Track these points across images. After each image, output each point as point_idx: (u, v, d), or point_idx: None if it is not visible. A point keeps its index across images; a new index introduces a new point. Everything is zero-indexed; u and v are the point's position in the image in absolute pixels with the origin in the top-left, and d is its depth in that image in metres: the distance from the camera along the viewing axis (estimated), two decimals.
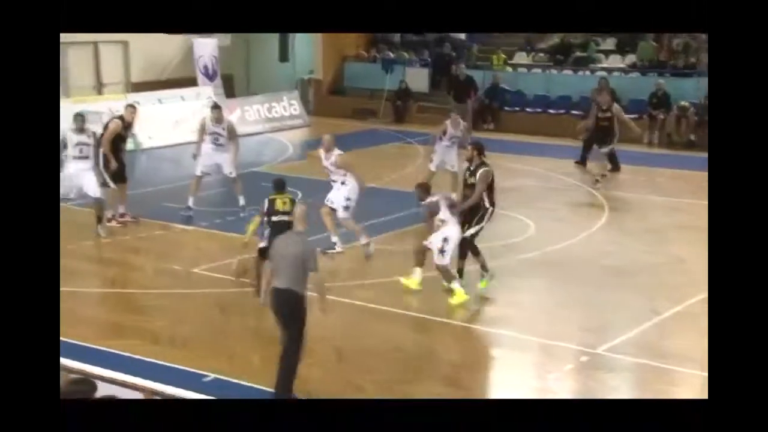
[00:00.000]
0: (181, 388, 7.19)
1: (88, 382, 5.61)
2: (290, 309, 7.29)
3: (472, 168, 10.24)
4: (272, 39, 24.50)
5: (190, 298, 10.19)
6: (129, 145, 13.33)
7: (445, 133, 13.78)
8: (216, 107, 13.88)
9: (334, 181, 11.45)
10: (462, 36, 24.12)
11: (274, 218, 10.10)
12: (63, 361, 6.35)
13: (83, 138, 12.13)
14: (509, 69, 22.85)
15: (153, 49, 22.31)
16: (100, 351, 8.40)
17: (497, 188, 10.50)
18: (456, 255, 10.17)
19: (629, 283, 10.62)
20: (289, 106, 22.55)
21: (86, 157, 12.15)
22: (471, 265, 10.33)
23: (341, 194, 11.32)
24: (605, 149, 15.74)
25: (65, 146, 12.09)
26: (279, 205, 10.17)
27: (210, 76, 22.61)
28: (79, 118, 12.31)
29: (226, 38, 23.39)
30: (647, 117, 19.74)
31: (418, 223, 11.36)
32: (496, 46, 23.43)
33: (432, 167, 13.82)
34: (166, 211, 13.47)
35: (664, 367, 8.39)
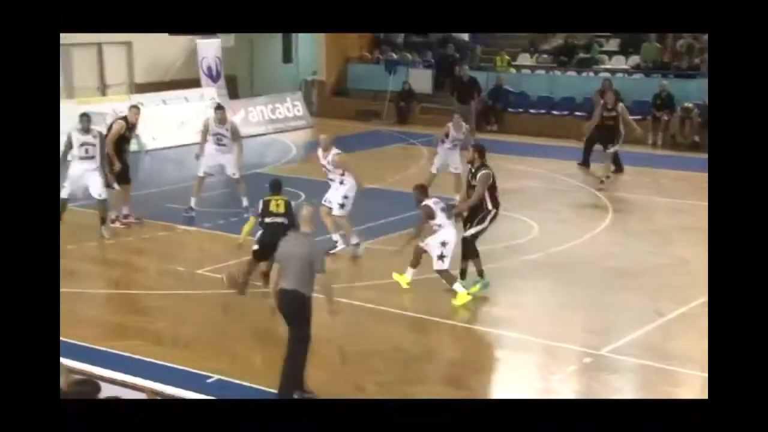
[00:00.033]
0: (185, 389, 7.20)
1: (91, 383, 5.62)
2: (296, 310, 7.29)
3: (473, 170, 10.25)
4: (276, 40, 24.52)
5: (193, 299, 10.20)
6: (133, 146, 13.34)
7: (447, 135, 13.78)
8: (219, 108, 13.88)
9: (332, 180, 11.48)
10: (465, 37, 24.11)
11: (267, 220, 10.12)
12: (67, 362, 6.37)
13: (88, 138, 12.13)
14: (513, 70, 22.85)
15: (157, 50, 22.34)
16: (104, 352, 8.40)
17: (501, 190, 10.49)
18: (459, 256, 10.18)
19: (633, 285, 10.60)
20: (292, 107, 22.56)
21: (92, 158, 12.15)
22: (470, 267, 10.31)
23: (339, 193, 11.35)
24: (611, 149, 15.73)
25: (70, 147, 12.12)
26: (273, 206, 10.18)
27: (214, 77, 22.64)
28: (85, 118, 12.31)
29: (230, 39, 23.42)
30: (651, 118, 19.73)
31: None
32: (499, 47, 23.42)
33: (433, 169, 13.81)
34: (169, 212, 13.48)
35: (667, 369, 8.38)
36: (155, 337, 8.97)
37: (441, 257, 9.88)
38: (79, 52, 21.28)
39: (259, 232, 10.15)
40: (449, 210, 10.16)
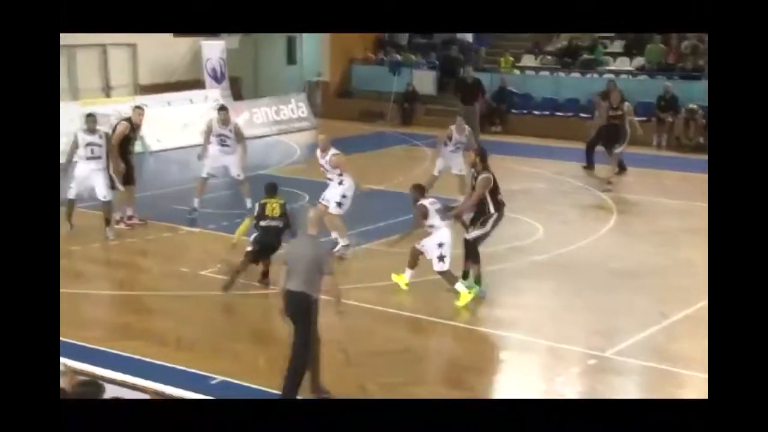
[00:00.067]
0: (189, 390, 7.21)
1: (95, 384, 5.63)
2: (302, 311, 7.29)
3: (476, 174, 10.25)
4: (280, 41, 24.56)
5: (197, 301, 10.20)
6: (137, 147, 13.35)
7: (450, 138, 13.76)
8: (222, 109, 13.87)
9: (330, 180, 11.51)
10: (469, 39, 24.12)
11: (263, 223, 10.15)
12: (71, 362, 6.38)
13: (94, 138, 12.14)
14: (517, 72, 22.84)
15: (161, 51, 22.38)
16: (108, 353, 8.40)
17: (505, 191, 10.48)
18: (460, 257, 10.16)
19: (637, 286, 10.58)
20: (296, 108, 22.57)
21: (97, 158, 12.15)
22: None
23: (337, 192, 11.37)
24: (617, 150, 15.74)
25: (76, 147, 12.13)
26: (268, 210, 10.20)
27: (218, 79, 22.66)
28: (90, 118, 12.32)
29: (234, 41, 23.45)
30: (655, 120, 19.71)
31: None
32: (503, 48, 23.42)
33: (435, 172, 13.79)
34: (173, 213, 13.48)
35: (672, 371, 8.36)
36: (159, 338, 8.97)
37: (441, 258, 9.89)
38: (84, 54, 21.33)
39: (255, 235, 10.17)
40: (445, 212, 10.17)
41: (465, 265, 10.21)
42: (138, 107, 13.49)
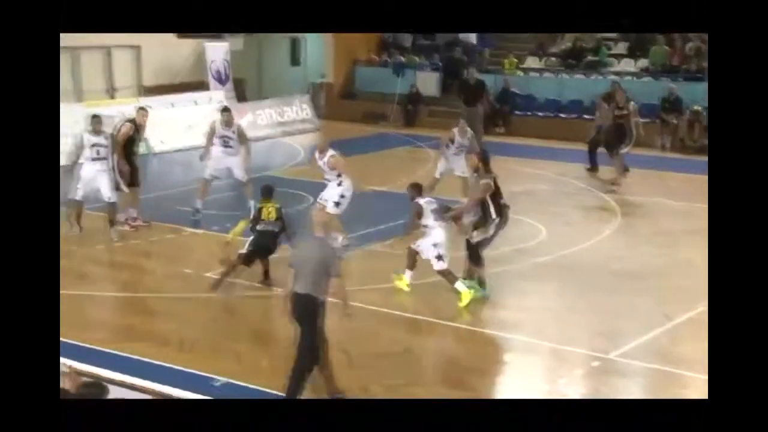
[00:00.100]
0: (192, 392, 7.21)
1: (98, 385, 5.64)
2: (309, 314, 7.29)
3: (477, 177, 10.26)
4: (284, 43, 24.57)
5: (200, 302, 10.21)
6: (141, 149, 13.36)
7: (452, 140, 13.74)
8: (225, 110, 13.88)
9: (328, 180, 11.52)
10: (473, 40, 24.13)
11: (259, 227, 10.19)
12: (75, 364, 6.39)
13: (99, 139, 12.15)
14: (520, 73, 22.84)
15: (165, 53, 22.42)
16: (111, 354, 8.41)
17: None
18: (466, 259, 10.17)
19: (641, 288, 10.57)
20: (300, 110, 22.59)
21: (103, 159, 12.16)
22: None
23: (335, 192, 11.40)
24: (623, 149, 15.74)
25: (82, 148, 12.14)
26: (264, 214, 10.23)
27: (222, 80, 22.69)
28: (95, 119, 12.32)
29: (238, 42, 23.47)
30: (659, 121, 19.69)
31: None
32: (507, 50, 23.42)
33: (437, 174, 13.76)
34: (177, 214, 13.50)
35: (676, 373, 8.34)
36: (162, 339, 8.98)
37: (439, 257, 9.94)
38: (88, 56, 21.38)
39: (251, 238, 10.20)
40: (441, 212, 10.20)
41: (467, 268, 10.19)
42: (141, 108, 13.51)
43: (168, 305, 10.15)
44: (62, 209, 12.08)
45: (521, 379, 8.43)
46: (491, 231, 10.05)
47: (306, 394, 7.34)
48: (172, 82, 22.44)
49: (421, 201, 10.14)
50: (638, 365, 8.56)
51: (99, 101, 20.04)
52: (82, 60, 21.30)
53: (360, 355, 8.59)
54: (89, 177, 12.15)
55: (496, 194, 10.04)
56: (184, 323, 9.54)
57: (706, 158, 5.36)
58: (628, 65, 22.04)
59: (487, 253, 10.28)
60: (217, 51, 22.71)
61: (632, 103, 15.96)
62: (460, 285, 9.89)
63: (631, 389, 8.22)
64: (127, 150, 12.64)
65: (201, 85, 22.17)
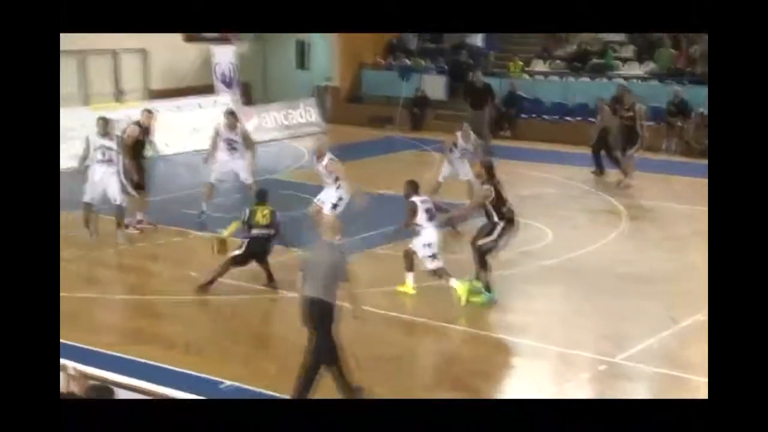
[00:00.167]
0: (197, 395, 7.21)
1: (105, 388, 5.65)
2: (320, 318, 7.29)
3: (481, 184, 10.30)
4: (290, 46, 24.60)
5: (206, 305, 10.23)
6: (148, 152, 13.37)
7: (455, 144, 13.69)
8: (229, 113, 13.88)
9: (327, 184, 11.55)
10: (479, 43, 24.12)
11: (254, 231, 10.20)
12: (82, 367, 6.40)
13: (106, 141, 12.15)
14: (526, 76, 22.82)
15: (172, 57, 22.48)
16: (118, 357, 8.42)
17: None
18: (475, 264, 10.16)
19: (647, 292, 10.55)
20: (306, 113, 22.61)
21: (110, 161, 12.18)
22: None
23: (334, 194, 11.42)
24: (630, 151, 15.73)
25: (89, 150, 12.16)
26: (259, 218, 10.25)
27: (228, 84, 22.72)
28: (102, 121, 12.32)
29: (245, 46, 23.51)
30: (665, 124, 19.66)
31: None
32: (513, 53, 23.40)
33: (440, 178, 13.69)
34: (183, 217, 13.52)
35: (682, 377, 8.33)
36: (169, 342, 9.00)
37: (433, 257, 10.00)
38: (95, 59, 21.45)
39: (245, 241, 10.22)
40: (434, 212, 10.26)
41: (477, 273, 10.18)
42: (147, 110, 13.53)
43: (174, 308, 10.17)
44: (79, 213, 12.21)
45: (528, 382, 8.42)
46: (495, 235, 10.05)
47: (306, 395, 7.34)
48: (179, 85, 22.47)
49: (417, 199, 10.18)
50: (645, 369, 8.55)
51: (106, 105, 20.08)
52: (89, 63, 21.36)
53: (365, 358, 8.57)
54: (97, 179, 12.18)
55: (498, 202, 10.01)
56: (190, 326, 9.56)
57: None
58: (634, 68, 22.01)
59: (493, 256, 10.28)
60: (224, 54, 22.75)
61: (638, 105, 15.95)
62: (453, 281, 9.96)
63: (638, 393, 8.20)
64: (134, 152, 12.66)
65: (207, 89, 22.19)
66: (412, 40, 24.81)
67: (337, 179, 11.46)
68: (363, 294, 10.00)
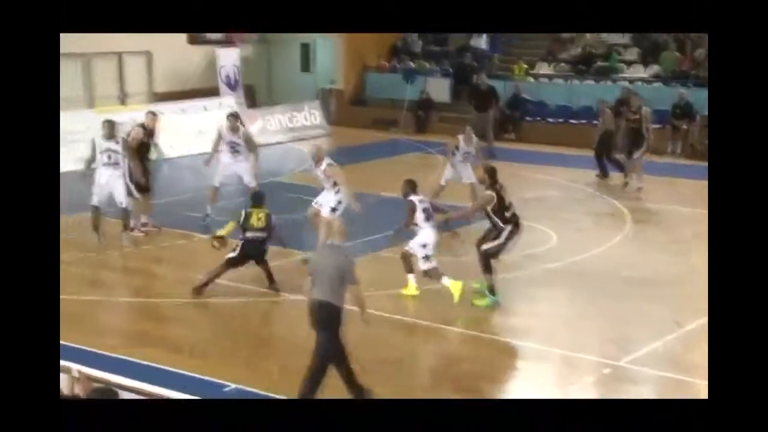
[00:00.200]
0: (201, 398, 7.21)
1: (109, 391, 5.66)
2: (326, 321, 7.30)
3: (484, 189, 10.30)
4: (294, 49, 24.64)
5: (211, 308, 10.23)
6: (152, 154, 13.39)
7: (457, 148, 13.66)
8: (231, 116, 13.89)
9: (326, 187, 11.56)
10: (483, 46, 24.11)
11: (249, 234, 10.21)
12: (86, 369, 6.41)
13: (111, 144, 12.16)
14: (531, 79, 22.81)
15: (176, 59, 22.51)
16: (123, 360, 8.43)
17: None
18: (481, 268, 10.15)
19: (652, 295, 10.53)
20: (310, 116, 22.62)
21: (116, 164, 12.19)
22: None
23: (333, 198, 11.41)
24: (636, 154, 15.72)
25: (95, 153, 12.17)
26: (254, 220, 10.25)
27: (232, 86, 22.75)
28: (108, 124, 12.33)
29: (249, 48, 23.53)
30: (670, 127, 19.64)
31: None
32: (517, 56, 23.41)
33: (442, 181, 13.68)
34: (188, 220, 13.54)
35: (687, 381, 8.30)
36: (173, 345, 9.00)
37: (426, 258, 10.05)
38: (100, 62, 21.49)
39: (240, 244, 10.23)
40: (431, 212, 10.28)
41: (485, 277, 10.17)
42: (151, 112, 13.54)
43: (179, 311, 10.17)
44: (85, 215, 12.23)
45: (532, 385, 8.41)
46: (503, 239, 10.03)
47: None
48: (183, 88, 22.51)
49: (415, 198, 10.20)
50: (649, 372, 8.53)
51: (111, 107, 20.13)
52: (93, 66, 21.41)
53: (369, 361, 8.57)
54: (103, 182, 12.19)
55: (501, 207, 9.99)
56: (194, 329, 9.57)
57: None
58: (638, 71, 21.98)
59: (498, 259, 10.26)
60: (228, 57, 22.78)
61: (645, 108, 15.94)
62: (446, 280, 10.01)
63: (643, 397, 8.17)
64: (139, 154, 12.67)
65: (212, 92, 22.22)
66: (417, 43, 24.81)
67: (335, 184, 11.45)
68: (367, 297, 10.06)
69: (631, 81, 21.07)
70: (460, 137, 13.74)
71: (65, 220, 12.46)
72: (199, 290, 10.15)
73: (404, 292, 10.31)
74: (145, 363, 8.35)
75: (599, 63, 22.28)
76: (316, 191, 12.66)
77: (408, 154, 19.98)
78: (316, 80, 24.85)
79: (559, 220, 13.76)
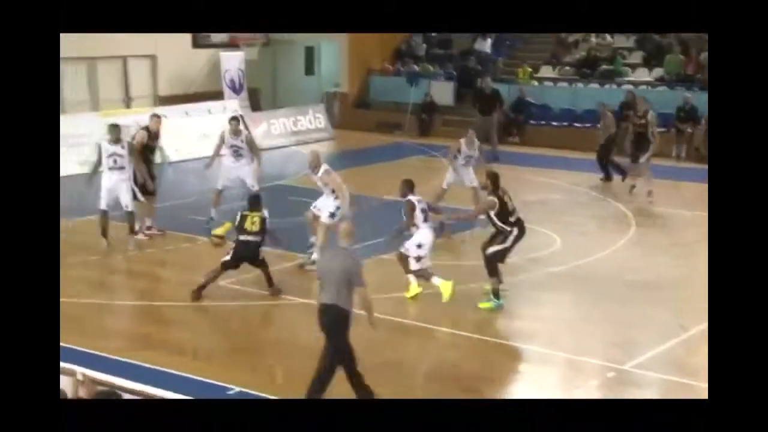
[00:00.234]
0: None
1: (113, 394, 5.66)
2: (334, 324, 7.30)
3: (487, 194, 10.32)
4: (298, 52, 24.67)
5: (215, 311, 10.24)
6: (156, 158, 13.41)
7: (459, 151, 13.63)
8: (233, 119, 13.90)
9: (325, 192, 11.57)
10: (487, 49, 24.13)
11: (242, 237, 10.23)
12: (90, 372, 6.42)
13: (117, 149, 12.18)
14: (535, 82, 22.81)
15: (181, 63, 22.57)
16: (127, 363, 8.44)
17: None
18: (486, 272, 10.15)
19: (656, 298, 10.51)
20: (314, 119, 22.65)
21: (121, 168, 12.21)
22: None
23: (332, 203, 11.40)
24: (642, 158, 15.72)
25: (101, 157, 12.19)
26: (248, 224, 10.26)
27: (236, 90, 22.78)
28: (113, 128, 12.35)
29: (253, 52, 23.56)
30: (674, 131, 19.62)
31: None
32: (521, 59, 23.41)
33: (444, 185, 13.64)
34: (192, 223, 13.55)
35: (692, 384, 8.28)
36: (178, 348, 9.01)
37: (418, 259, 10.08)
38: (105, 66, 21.56)
39: (233, 247, 10.25)
40: (429, 213, 10.31)
41: (491, 280, 10.17)
42: (155, 115, 13.55)
43: (183, 314, 10.18)
44: (91, 218, 12.25)
45: (536, 389, 8.39)
46: (510, 242, 10.03)
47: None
48: (187, 91, 22.56)
49: (413, 198, 10.22)
50: (654, 376, 8.51)
51: (115, 111, 20.18)
52: (98, 70, 21.46)
53: (372, 363, 8.57)
54: (110, 186, 12.20)
55: (504, 213, 9.98)
56: (198, 332, 9.58)
57: None
58: (643, 74, 21.97)
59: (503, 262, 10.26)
60: (232, 60, 22.81)
61: (651, 112, 15.94)
62: (436, 279, 10.04)
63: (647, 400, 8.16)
64: (144, 157, 12.69)
65: (216, 95, 22.27)
66: (421, 46, 24.83)
67: (333, 190, 11.45)
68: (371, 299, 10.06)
69: (636, 84, 21.05)
70: (462, 141, 13.71)
71: (71, 223, 12.56)
72: (196, 293, 10.16)
73: (409, 295, 10.30)
74: (149, 366, 8.36)
75: (603, 66, 22.27)
76: (319, 195, 12.68)
77: (412, 158, 19.98)
78: (320, 83, 24.88)
79: (563, 223, 13.75)
